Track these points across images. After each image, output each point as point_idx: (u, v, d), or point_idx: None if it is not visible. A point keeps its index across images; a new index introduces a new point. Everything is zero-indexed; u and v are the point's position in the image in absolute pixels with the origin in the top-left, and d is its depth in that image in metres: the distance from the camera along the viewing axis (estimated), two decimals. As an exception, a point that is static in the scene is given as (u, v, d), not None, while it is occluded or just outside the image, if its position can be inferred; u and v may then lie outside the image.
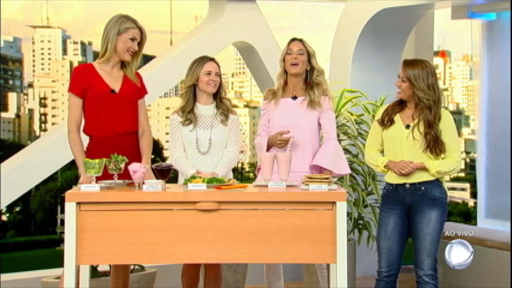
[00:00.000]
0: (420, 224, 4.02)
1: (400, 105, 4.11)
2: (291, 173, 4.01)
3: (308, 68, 4.41)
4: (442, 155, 4.03)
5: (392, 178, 4.07)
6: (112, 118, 4.12)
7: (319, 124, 4.40)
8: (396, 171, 4.01)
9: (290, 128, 4.30)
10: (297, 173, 4.19)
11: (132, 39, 4.14)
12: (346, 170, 4.44)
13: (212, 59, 4.30)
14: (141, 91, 4.26)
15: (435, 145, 3.98)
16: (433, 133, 3.98)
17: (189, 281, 4.25)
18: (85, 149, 4.17)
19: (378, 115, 4.16)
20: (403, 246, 4.11)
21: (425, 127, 3.99)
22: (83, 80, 4.13)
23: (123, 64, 4.20)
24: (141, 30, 4.18)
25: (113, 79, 4.16)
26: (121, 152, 3.89)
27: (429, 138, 3.98)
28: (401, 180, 4.03)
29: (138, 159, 4.11)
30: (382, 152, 4.17)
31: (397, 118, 4.08)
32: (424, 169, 4.00)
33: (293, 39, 4.43)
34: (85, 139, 4.22)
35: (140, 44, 4.21)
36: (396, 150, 4.05)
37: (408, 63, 4.05)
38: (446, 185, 4.15)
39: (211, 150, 4.24)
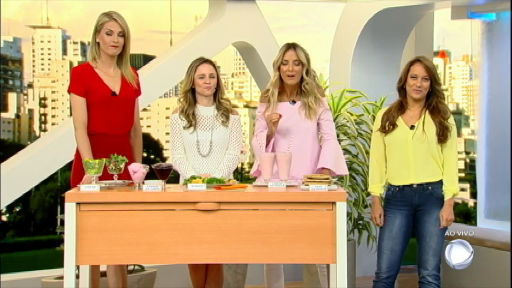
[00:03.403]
0: (427, 223, 4.03)
1: (401, 109, 4.12)
2: (292, 179, 4.00)
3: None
4: (444, 146, 4.05)
5: (398, 180, 4.08)
6: (112, 120, 4.13)
7: (318, 124, 4.39)
8: (374, 214, 4.19)
9: (292, 133, 4.28)
10: (299, 179, 4.14)
11: (108, 34, 4.12)
12: (345, 171, 4.44)
13: (206, 61, 4.25)
14: (137, 91, 4.28)
15: (441, 131, 4.02)
16: (440, 120, 4.03)
17: (195, 284, 4.26)
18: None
19: (377, 124, 4.16)
20: (405, 247, 4.11)
21: (440, 116, 4.03)
22: (83, 81, 4.13)
23: (120, 65, 4.21)
24: (116, 21, 4.13)
25: (112, 80, 4.17)
26: (116, 151, 3.90)
27: (437, 125, 4.01)
28: (407, 181, 4.04)
29: (131, 157, 4.13)
30: (385, 156, 4.17)
31: (400, 121, 4.08)
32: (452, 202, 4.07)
33: (288, 48, 4.36)
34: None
35: (125, 37, 4.17)
36: (401, 153, 4.05)
37: (424, 60, 4.07)
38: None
39: (212, 152, 4.23)
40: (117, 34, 4.12)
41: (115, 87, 4.16)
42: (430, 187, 4.04)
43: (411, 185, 4.05)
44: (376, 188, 4.18)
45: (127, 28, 4.17)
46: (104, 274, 4.92)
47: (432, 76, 4.04)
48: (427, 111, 4.06)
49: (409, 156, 4.04)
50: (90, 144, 4.12)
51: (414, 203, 4.06)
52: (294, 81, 4.33)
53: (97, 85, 4.13)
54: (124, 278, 4.25)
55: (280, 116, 4.22)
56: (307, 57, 4.34)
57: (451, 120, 4.08)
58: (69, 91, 4.15)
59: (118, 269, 4.22)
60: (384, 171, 4.16)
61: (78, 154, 4.13)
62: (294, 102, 4.38)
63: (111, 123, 4.13)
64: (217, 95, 4.28)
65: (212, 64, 4.26)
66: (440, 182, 4.05)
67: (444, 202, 4.04)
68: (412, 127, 4.05)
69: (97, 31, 4.15)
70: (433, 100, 4.07)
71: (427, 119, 4.05)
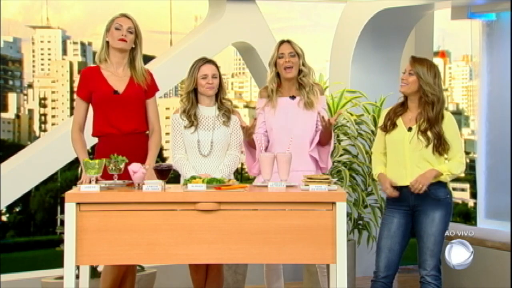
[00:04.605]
0: (424, 224, 4.03)
1: (402, 107, 4.12)
2: (292, 172, 4.01)
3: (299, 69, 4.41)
4: (445, 155, 4.04)
5: (396, 181, 4.08)
6: (117, 119, 4.13)
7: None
8: (384, 188, 4.09)
9: (291, 128, 4.30)
10: (300, 172, 4.16)
11: (117, 28, 4.13)
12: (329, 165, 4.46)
13: (209, 61, 4.27)
14: (150, 91, 4.25)
15: (438, 143, 4.00)
16: (435, 131, 4.00)
17: (196, 284, 4.26)
18: (90, 149, 4.19)
19: (381, 120, 4.17)
20: (404, 247, 4.11)
21: (426, 124, 4.00)
22: (88, 83, 4.16)
23: (131, 65, 4.21)
24: (128, 17, 4.15)
25: (118, 80, 4.17)
26: (129, 152, 3.92)
27: (432, 136, 3.99)
28: (405, 182, 4.04)
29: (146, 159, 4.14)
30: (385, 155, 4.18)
31: (399, 121, 4.09)
32: (435, 176, 4.01)
33: (282, 42, 4.41)
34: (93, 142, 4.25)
35: (136, 35, 4.17)
36: (399, 153, 4.06)
37: (417, 59, 4.09)
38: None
39: (212, 152, 4.23)
40: (126, 29, 4.14)
41: (120, 86, 4.16)
42: (427, 188, 4.03)
43: (408, 186, 4.05)
44: (380, 169, 4.15)
45: (138, 27, 4.19)
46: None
47: (419, 74, 4.01)
48: (425, 117, 4.04)
49: (405, 158, 4.04)
50: (102, 145, 4.14)
51: (411, 204, 4.06)
52: (292, 74, 4.34)
53: (100, 84, 4.14)
54: (132, 279, 4.24)
55: (255, 119, 4.22)
56: (302, 50, 4.37)
57: (448, 127, 4.03)
58: (76, 94, 4.19)
59: (129, 271, 4.21)
60: (385, 163, 4.16)
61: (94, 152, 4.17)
62: (293, 97, 4.40)
63: (116, 122, 4.13)
64: (219, 95, 4.29)
65: (215, 64, 4.27)
66: (437, 183, 4.05)
67: (441, 202, 4.03)
68: (409, 129, 4.06)
69: (107, 30, 4.16)
70: (425, 105, 4.05)
71: (424, 125, 4.03)
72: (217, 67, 4.27)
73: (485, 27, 6.47)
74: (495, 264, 5.50)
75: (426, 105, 4.02)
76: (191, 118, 4.23)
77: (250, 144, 4.30)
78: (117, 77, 4.17)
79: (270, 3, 7.47)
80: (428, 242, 4.03)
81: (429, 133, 4.01)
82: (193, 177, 3.82)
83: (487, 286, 5.56)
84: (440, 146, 4.01)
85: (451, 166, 4.03)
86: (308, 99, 4.34)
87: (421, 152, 4.02)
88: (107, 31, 4.16)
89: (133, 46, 4.20)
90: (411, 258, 4.25)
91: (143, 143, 4.21)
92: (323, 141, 4.35)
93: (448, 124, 4.05)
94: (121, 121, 4.13)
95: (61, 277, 4.04)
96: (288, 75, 4.35)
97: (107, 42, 4.17)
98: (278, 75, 4.41)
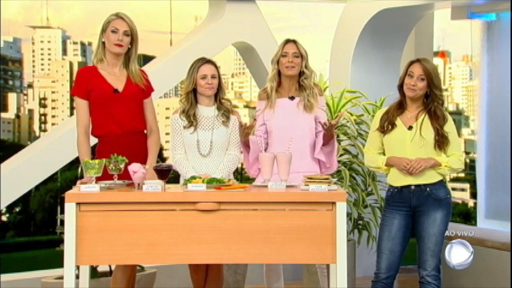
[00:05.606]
0: (425, 224, 4.03)
1: (400, 108, 4.12)
2: (293, 174, 4.01)
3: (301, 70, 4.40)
4: (445, 154, 4.05)
5: (396, 181, 4.07)
6: (117, 117, 4.13)
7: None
8: (402, 168, 4.01)
9: (290, 129, 4.30)
10: (300, 173, 4.17)
11: (114, 31, 4.11)
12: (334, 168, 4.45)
13: (209, 61, 4.26)
14: (147, 90, 4.25)
15: (441, 139, 4.02)
16: (437, 126, 4.02)
17: (196, 284, 4.26)
18: (93, 150, 4.19)
19: (376, 124, 4.16)
20: (405, 248, 4.11)
21: (438, 123, 4.02)
22: (86, 82, 4.14)
23: (126, 65, 4.20)
24: (124, 19, 4.13)
25: (116, 79, 4.17)
26: (129, 151, 3.92)
27: (441, 133, 4.00)
28: (405, 182, 4.04)
29: (146, 158, 4.13)
30: (382, 154, 4.17)
31: (398, 121, 4.08)
32: (432, 166, 4.00)
33: (287, 41, 4.41)
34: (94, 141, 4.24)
35: (132, 37, 4.16)
36: (399, 153, 4.05)
37: (424, 61, 4.06)
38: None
39: (212, 152, 4.23)
40: (123, 32, 4.12)
41: (119, 85, 4.16)
42: (428, 188, 4.04)
43: (409, 186, 4.05)
44: (383, 157, 4.13)
45: (134, 28, 4.17)
46: (104, 274, 4.93)
47: (429, 78, 4.02)
48: (425, 115, 4.06)
49: (406, 157, 4.03)
50: (103, 145, 4.13)
51: (413, 204, 4.06)
52: (293, 72, 4.34)
53: (99, 83, 4.13)
54: (132, 279, 4.24)
55: (255, 120, 4.22)
56: (306, 52, 4.37)
57: (448, 127, 4.06)
58: (71, 94, 4.17)
59: (127, 270, 4.21)
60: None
61: (96, 152, 4.16)
62: (292, 98, 4.40)
63: (117, 121, 4.12)
64: (218, 95, 4.29)
65: (214, 64, 4.27)
66: (439, 183, 4.05)
67: (442, 202, 4.04)
68: (410, 128, 4.06)
69: (103, 30, 4.14)
70: (429, 104, 4.06)
71: (425, 123, 4.04)
72: (216, 67, 4.27)
73: (485, 27, 6.47)
74: (495, 264, 5.50)
75: (438, 106, 4.04)
76: (191, 118, 4.23)
77: (245, 144, 4.30)
78: (115, 76, 4.17)
79: (270, 3, 7.47)
80: (430, 242, 4.03)
81: (433, 128, 4.01)
82: (193, 177, 3.82)
83: (487, 286, 5.56)
84: (442, 142, 4.02)
85: (450, 159, 4.04)
86: (308, 102, 4.34)
87: (422, 150, 4.02)
88: (103, 32, 4.14)
89: (129, 47, 4.19)
90: (411, 258, 4.24)
91: (142, 142, 4.21)
92: (324, 141, 4.35)
93: (447, 124, 4.06)
94: (122, 118, 4.13)
95: (61, 277, 4.04)
96: (288, 72, 4.35)
97: (103, 43, 4.16)
98: (279, 73, 4.41)
